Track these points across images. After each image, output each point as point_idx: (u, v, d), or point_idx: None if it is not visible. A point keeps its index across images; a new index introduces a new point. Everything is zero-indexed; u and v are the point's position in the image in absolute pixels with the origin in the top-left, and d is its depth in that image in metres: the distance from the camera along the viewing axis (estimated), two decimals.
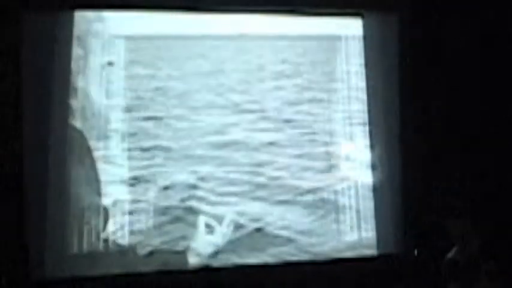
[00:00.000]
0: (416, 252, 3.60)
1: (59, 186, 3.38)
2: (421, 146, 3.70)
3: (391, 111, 3.76)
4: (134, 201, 3.53)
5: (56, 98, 3.43)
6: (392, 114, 3.75)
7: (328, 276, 3.52)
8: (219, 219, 3.63)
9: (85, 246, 3.41)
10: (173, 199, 3.59)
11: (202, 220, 3.63)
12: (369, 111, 3.81)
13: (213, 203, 3.65)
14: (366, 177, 3.76)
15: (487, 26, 3.84)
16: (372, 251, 3.70)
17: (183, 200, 3.61)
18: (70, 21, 3.54)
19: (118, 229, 3.49)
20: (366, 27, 3.89)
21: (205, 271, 3.50)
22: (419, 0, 3.83)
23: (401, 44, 3.78)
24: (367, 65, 3.84)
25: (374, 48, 3.85)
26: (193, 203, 3.62)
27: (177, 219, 3.59)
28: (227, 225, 3.65)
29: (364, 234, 3.71)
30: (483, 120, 3.79)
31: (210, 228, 3.63)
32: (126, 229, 3.50)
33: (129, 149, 3.58)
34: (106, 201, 3.49)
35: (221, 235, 3.62)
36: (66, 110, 3.46)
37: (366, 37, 3.88)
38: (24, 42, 3.35)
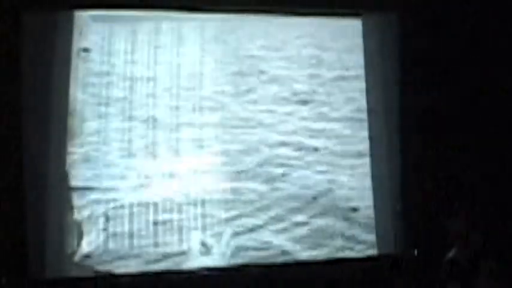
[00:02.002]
0: (416, 252, 3.60)
1: (58, 185, 3.38)
2: (421, 146, 3.70)
3: (391, 111, 3.76)
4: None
5: (56, 97, 3.43)
6: (393, 114, 3.75)
7: (329, 276, 3.52)
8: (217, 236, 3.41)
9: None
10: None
11: (196, 238, 3.41)
12: (369, 111, 3.81)
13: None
14: (366, 177, 3.76)
15: (486, 25, 3.84)
16: (372, 251, 3.70)
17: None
18: (70, 21, 3.55)
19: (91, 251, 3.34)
20: (365, 27, 3.89)
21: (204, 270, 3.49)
22: (419, 0, 3.83)
23: (401, 44, 3.78)
24: (367, 64, 3.84)
25: (374, 48, 3.85)
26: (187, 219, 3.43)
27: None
28: (226, 244, 3.42)
29: (364, 234, 3.71)
30: (483, 119, 3.79)
31: (205, 248, 3.39)
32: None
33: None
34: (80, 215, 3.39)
35: (219, 256, 3.38)
36: (66, 109, 3.46)
37: (365, 37, 3.88)
38: (24, 42, 3.36)
